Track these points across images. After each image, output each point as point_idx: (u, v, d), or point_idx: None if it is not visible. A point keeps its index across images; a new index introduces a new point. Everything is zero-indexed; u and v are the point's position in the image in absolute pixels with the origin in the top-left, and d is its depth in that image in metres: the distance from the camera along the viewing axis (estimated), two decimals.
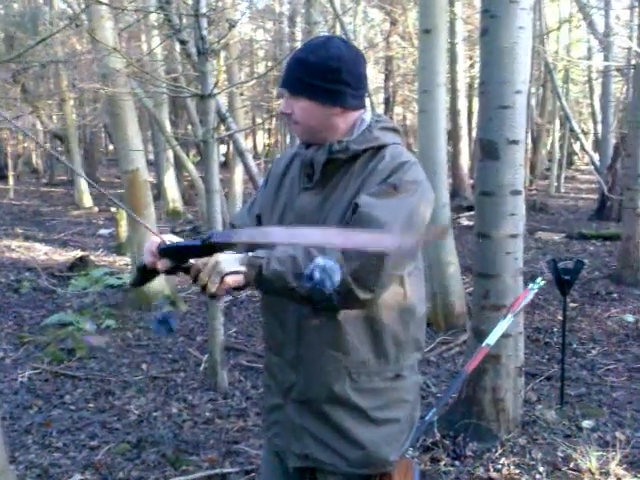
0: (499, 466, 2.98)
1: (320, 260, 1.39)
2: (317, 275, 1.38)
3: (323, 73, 1.53)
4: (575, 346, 4.82)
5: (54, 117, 14.42)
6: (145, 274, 1.48)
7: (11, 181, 16.04)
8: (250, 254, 1.41)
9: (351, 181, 1.56)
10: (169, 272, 1.43)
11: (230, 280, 1.37)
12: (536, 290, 2.27)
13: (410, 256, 1.51)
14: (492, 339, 2.41)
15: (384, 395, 1.60)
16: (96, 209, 13.45)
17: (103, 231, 10.63)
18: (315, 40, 1.62)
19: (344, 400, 1.58)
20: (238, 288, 1.43)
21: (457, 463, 3.03)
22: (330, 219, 1.55)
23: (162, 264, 1.39)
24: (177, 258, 1.40)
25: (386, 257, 1.41)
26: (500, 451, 3.09)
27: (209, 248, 1.36)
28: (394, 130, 1.64)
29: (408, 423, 1.66)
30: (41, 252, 8.82)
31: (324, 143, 1.58)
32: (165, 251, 1.39)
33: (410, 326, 1.62)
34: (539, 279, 2.35)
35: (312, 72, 1.54)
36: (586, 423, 3.42)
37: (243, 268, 1.39)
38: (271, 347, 1.71)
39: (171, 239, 1.42)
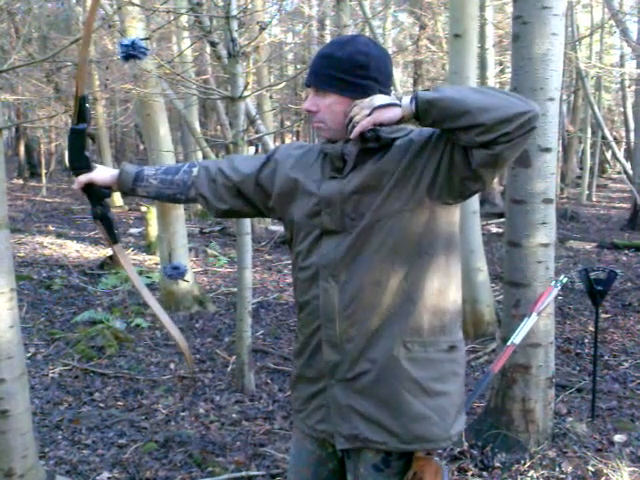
0: (528, 479, 2.93)
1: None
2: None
3: (352, 68, 1.51)
4: (607, 358, 4.73)
5: None
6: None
7: (44, 179, 16.32)
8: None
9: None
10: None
11: (379, 115, 1.43)
12: (559, 287, 2.24)
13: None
14: (518, 338, 2.40)
15: (438, 367, 1.57)
16: (127, 208, 13.62)
17: (133, 230, 10.76)
18: (341, 37, 1.61)
19: (398, 371, 1.53)
20: (382, 124, 1.47)
21: (485, 474, 2.99)
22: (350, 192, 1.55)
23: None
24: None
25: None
26: (529, 463, 3.04)
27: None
28: None
29: (458, 397, 1.61)
30: (73, 250, 8.96)
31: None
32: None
33: (459, 297, 1.65)
34: (562, 276, 2.33)
35: (341, 67, 1.52)
36: (618, 437, 3.35)
37: (397, 100, 1.44)
38: (308, 332, 1.64)
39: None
